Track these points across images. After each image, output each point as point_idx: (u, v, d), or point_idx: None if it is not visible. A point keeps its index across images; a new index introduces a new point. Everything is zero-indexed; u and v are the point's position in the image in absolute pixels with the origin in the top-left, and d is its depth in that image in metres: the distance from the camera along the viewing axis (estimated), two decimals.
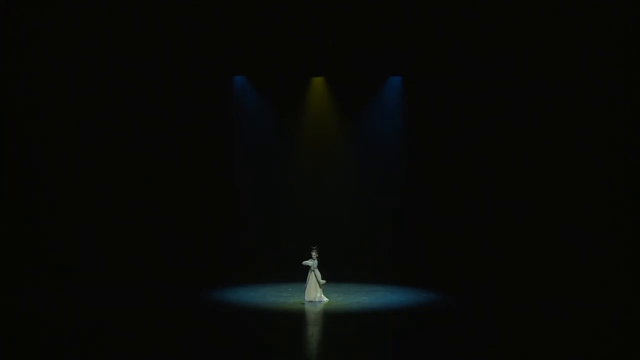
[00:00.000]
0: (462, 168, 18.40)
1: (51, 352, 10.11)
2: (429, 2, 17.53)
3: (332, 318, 13.21)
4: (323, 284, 14.51)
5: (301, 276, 14.87)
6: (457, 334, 11.60)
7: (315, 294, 14.47)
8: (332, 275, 15.20)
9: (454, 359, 10.07)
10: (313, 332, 12.09)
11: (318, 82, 19.49)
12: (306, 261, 14.45)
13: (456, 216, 18.35)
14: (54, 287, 15.63)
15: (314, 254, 14.49)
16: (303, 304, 14.26)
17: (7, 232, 16.10)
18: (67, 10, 16.67)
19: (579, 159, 16.58)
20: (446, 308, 14.11)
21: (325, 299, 14.50)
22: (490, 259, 17.46)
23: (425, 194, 18.81)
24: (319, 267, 14.45)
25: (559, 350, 10.51)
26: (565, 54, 16.62)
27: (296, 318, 13.16)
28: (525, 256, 17.02)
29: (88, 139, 17.41)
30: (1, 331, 11.52)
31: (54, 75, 16.83)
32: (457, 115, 18.36)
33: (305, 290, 14.55)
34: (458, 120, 18.38)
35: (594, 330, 11.88)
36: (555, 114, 16.86)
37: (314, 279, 14.47)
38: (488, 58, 17.61)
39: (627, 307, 13.90)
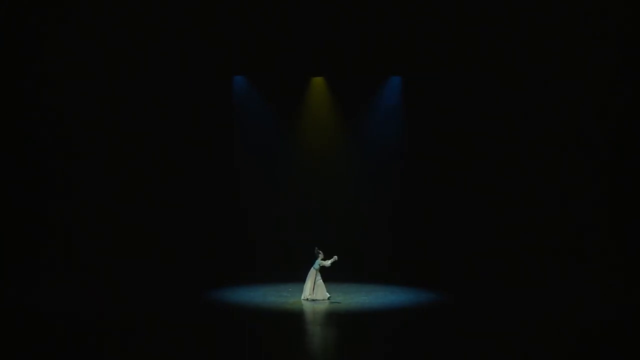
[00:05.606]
0: (462, 168, 18.39)
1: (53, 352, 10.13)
2: (429, 2, 17.51)
3: (332, 318, 13.21)
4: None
5: (301, 276, 14.90)
6: (457, 334, 11.59)
7: (323, 292, 14.56)
8: (332, 275, 15.21)
9: (454, 359, 10.07)
10: (313, 332, 12.09)
11: (318, 82, 19.50)
12: (327, 261, 14.53)
13: (456, 216, 18.35)
14: (54, 285, 15.65)
15: (321, 254, 14.56)
16: (325, 299, 14.48)
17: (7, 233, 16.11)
18: (66, 10, 16.65)
19: (579, 160, 16.57)
20: (446, 308, 14.11)
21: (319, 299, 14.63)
22: (490, 259, 17.45)
23: (425, 194, 18.82)
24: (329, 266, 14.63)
25: (558, 349, 10.52)
26: (565, 54, 16.61)
27: (296, 318, 13.17)
28: (524, 256, 17.02)
29: (87, 139, 17.39)
30: (2, 330, 11.53)
31: (53, 75, 16.80)
32: (457, 116, 18.35)
33: (315, 290, 14.62)
34: (458, 120, 18.37)
35: (593, 329, 11.91)
36: (556, 114, 16.85)
37: (316, 278, 14.55)
38: (488, 58, 17.60)
39: (625, 305, 13.92)
